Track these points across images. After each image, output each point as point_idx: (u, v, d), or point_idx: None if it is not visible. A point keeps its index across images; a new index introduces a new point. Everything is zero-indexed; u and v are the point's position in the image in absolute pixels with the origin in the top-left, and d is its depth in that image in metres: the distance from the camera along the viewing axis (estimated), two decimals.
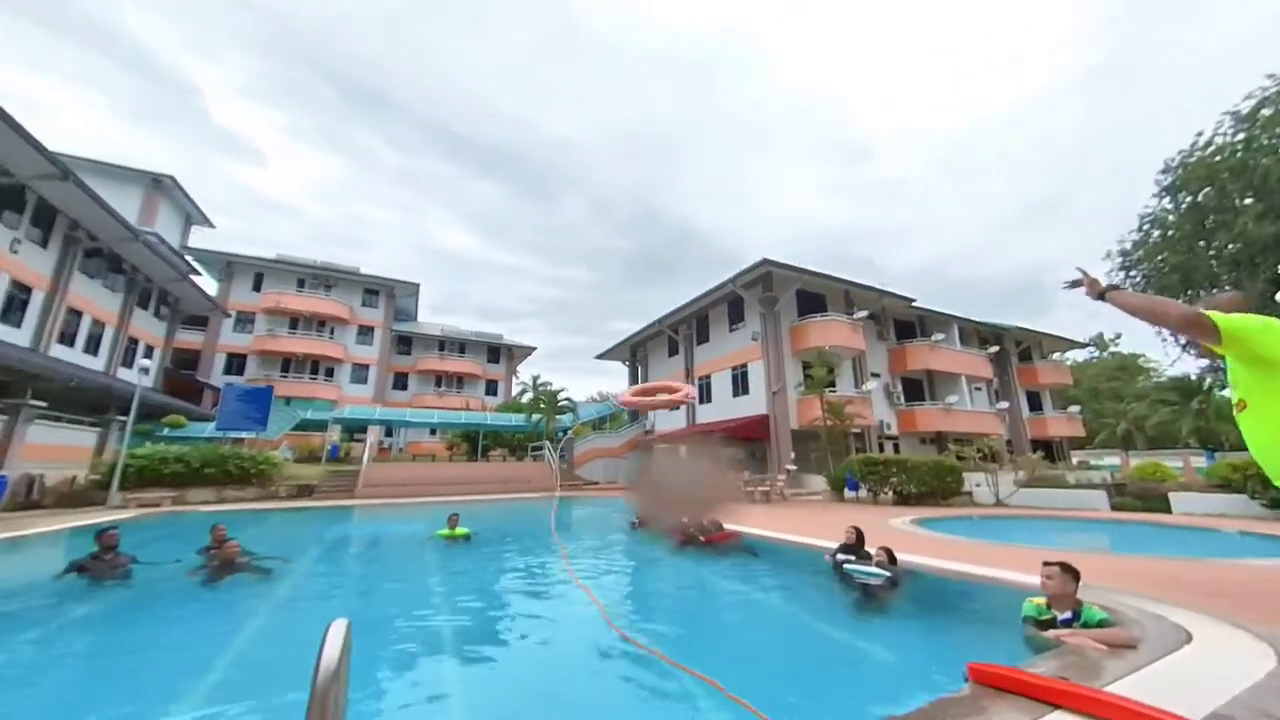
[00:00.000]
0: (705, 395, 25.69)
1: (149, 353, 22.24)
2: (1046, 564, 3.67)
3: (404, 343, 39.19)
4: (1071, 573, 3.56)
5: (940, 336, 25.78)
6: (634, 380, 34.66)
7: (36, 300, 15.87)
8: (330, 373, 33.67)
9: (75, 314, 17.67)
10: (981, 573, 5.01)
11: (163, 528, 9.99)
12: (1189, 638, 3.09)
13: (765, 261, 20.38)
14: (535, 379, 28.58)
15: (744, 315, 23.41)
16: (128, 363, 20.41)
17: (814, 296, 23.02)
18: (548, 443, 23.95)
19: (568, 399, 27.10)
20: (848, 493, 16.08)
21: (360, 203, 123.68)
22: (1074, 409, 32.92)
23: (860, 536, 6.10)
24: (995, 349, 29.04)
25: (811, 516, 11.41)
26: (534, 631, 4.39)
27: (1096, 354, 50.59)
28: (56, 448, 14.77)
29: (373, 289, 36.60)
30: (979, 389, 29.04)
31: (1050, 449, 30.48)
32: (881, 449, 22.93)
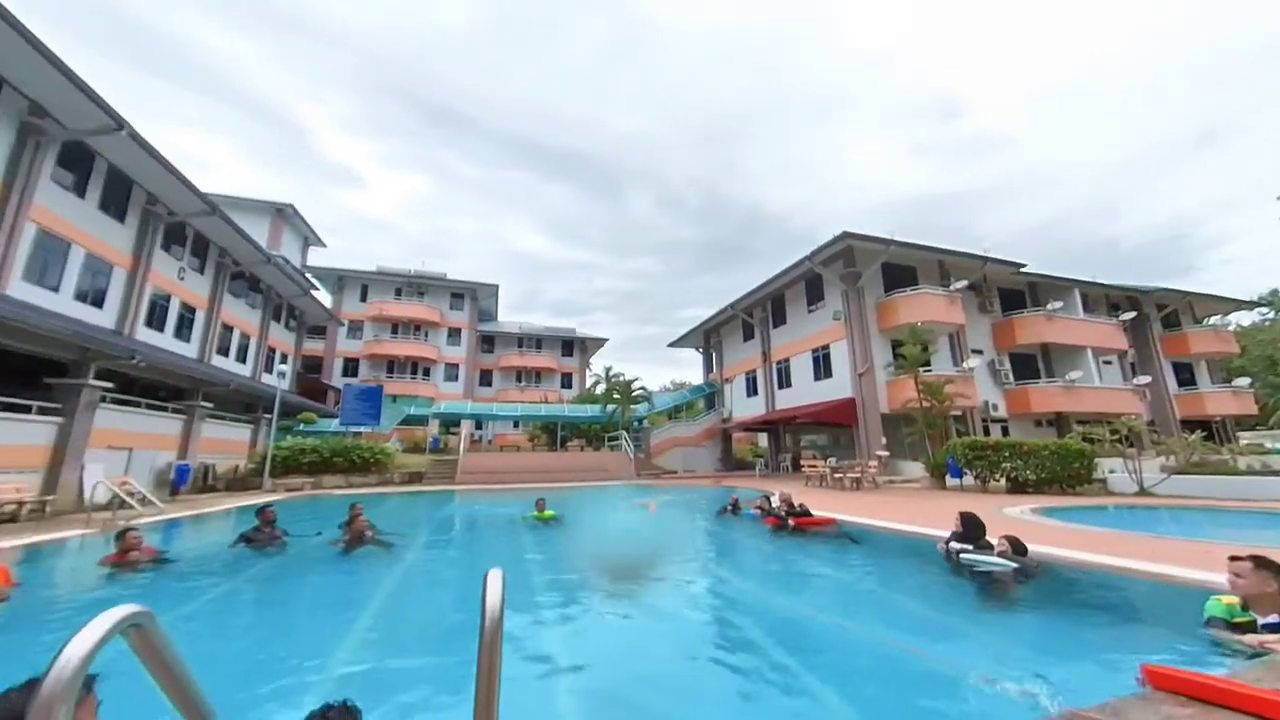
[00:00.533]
0: (784, 379, 24.73)
1: (284, 359, 25.66)
2: (1234, 559, 3.08)
3: (487, 341, 41.81)
4: (1271, 568, 2.95)
5: (1058, 305, 22.65)
6: (709, 367, 34.26)
7: (200, 318, 18.88)
8: (427, 372, 36.85)
9: (228, 329, 20.79)
10: (1141, 568, 4.30)
11: (306, 508, 11.51)
12: None
13: (845, 235, 19.07)
14: (608, 370, 29.22)
15: (824, 294, 22.13)
16: (269, 369, 23.70)
17: (902, 269, 21.18)
18: (624, 432, 24.42)
19: (642, 388, 27.41)
20: (950, 480, 14.72)
21: (444, 215, 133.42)
22: (1242, 382, 27.48)
23: (975, 523, 5.53)
24: (1131, 315, 24.99)
25: (912, 504, 10.58)
26: (623, 607, 4.47)
27: (1271, 316, 41.80)
28: (222, 441, 17.54)
29: (458, 293, 39.36)
30: (1109, 362, 25.22)
31: (1210, 429, 25.74)
32: (987, 432, 20.72)
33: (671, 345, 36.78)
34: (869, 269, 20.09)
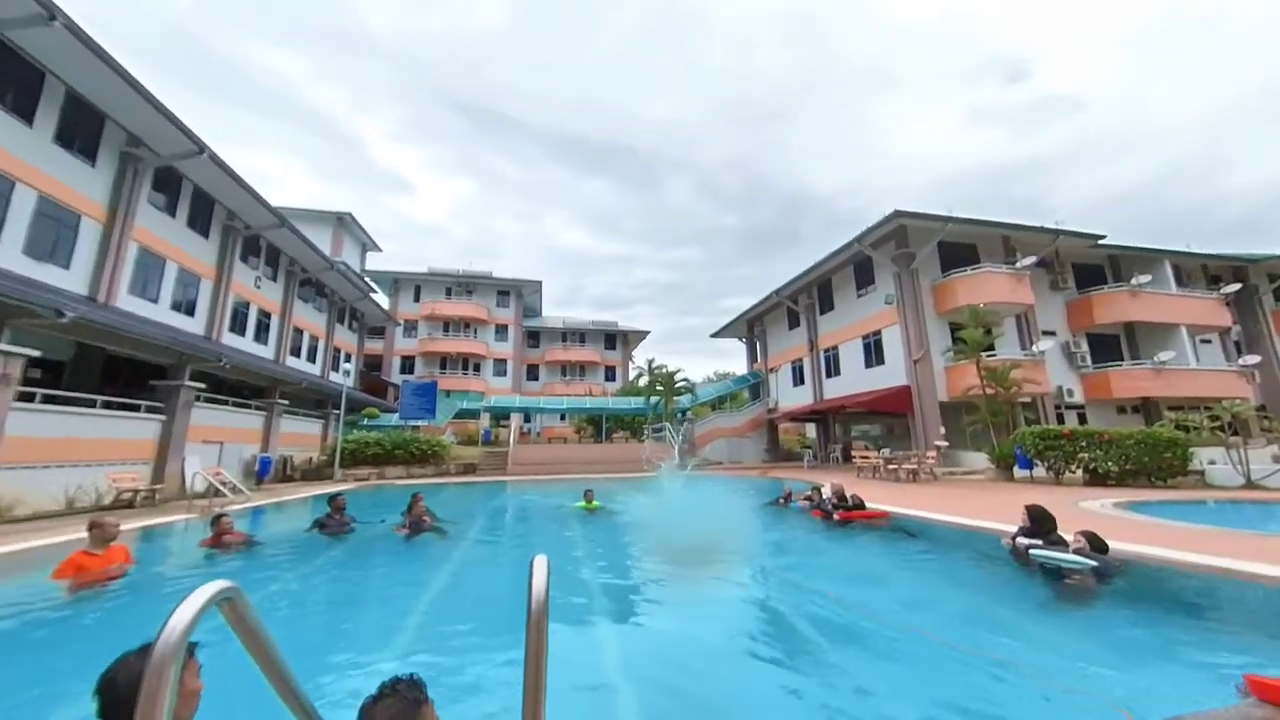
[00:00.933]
0: (832, 368, 23.90)
1: (348, 358, 27.49)
2: None
3: (532, 337, 42.97)
4: None
5: (1144, 279, 20.50)
6: (753, 357, 33.63)
7: (274, 323, 20.54)
8: (477, 368, 38.39)
9: (298, 331, 22.50)
10: (1246, 569, 3.85)
11: (371, 497, 12.35)
12: None
13: (897, 214, 18.06)
14: (650, 363, 29.30)
15: (874, 277, 21.12)
16: (335, 368, 25.47)
17: (961, 248, 19.85)
18: (667, 424, 24.47)
19: (685, 380, 27.33)
20: (1018, 471, 13.77)
21: (489, 216, 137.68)
22: None
23: (1044, 517, 5.16)
24: (1235, 288, 22.27)
25: (974, 497, 9.99)
26: (669, 596, 4.51)
27: None
28: (297, 435, 19.07)
29: (504, 290, 40.63)
30: (1208, 341, 22.66)
31: None
32: (1061, 420, 19.17)
33: (714, 336, 36.38)
34: (924, 249, 18.96)
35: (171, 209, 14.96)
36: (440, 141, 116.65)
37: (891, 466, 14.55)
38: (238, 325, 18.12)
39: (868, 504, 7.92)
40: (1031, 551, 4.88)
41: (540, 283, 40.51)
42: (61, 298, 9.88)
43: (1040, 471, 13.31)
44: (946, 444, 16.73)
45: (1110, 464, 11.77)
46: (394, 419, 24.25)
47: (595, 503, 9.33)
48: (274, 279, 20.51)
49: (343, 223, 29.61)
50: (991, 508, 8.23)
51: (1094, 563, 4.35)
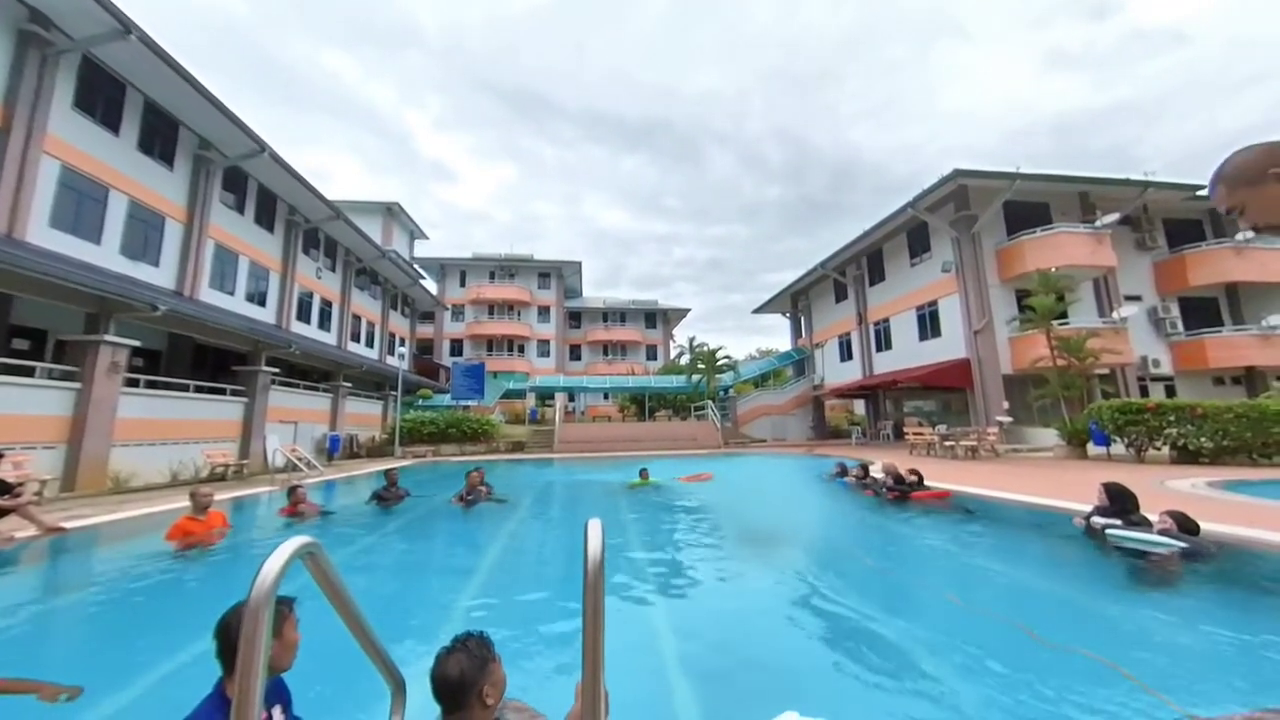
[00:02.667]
0: (883, 341, 22.85)
1: (402, 343, 28.96)
2: None
3: (574, 318, 43.55)
4: None
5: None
6: (797, 333, 32.67)
7: (335, 310, 21.87)
8: (521, 349, 39.48)
9: (356, 318, 23.87)
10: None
11: (428, 472, 13.11)
12: None
13: (957, 173, 16.73)
14: (691, 341, 29.07)
15: (929, 244, 19.82)
16: (390, 351, 26.93)
17: (1030, 207, 18.20)
18: (709, 402, 24.34)
19: (727, 357, 26.97)
20: (1093, 448, 12.79)
21: (530, 199, 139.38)
22: None
23: (1124, 495, 4.77)
24: None
25: (1042, 475, 9.39)
26: (721, 570, 4.54)
27: None
28: (360, 415, 20.42)
29: (544, 272, 41.23)
30: None
31: None
32: (1145, 393, 17.55)
33: (756, 311, 35.52)
34: (987, 211, 17.53)
35: (240, 207, 16.05)
36: (481, 128, 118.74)
37: (949, 443, 13.88)
38: (303, 314, 19.41)
39: (927, 483, 7.57)
40: (1109, 532, 4.54)
41: (580, 264, 40.76)
42: (155, 293, 10.92)
43: (1119, 449, 12.30)
44: (1010, 419, 15.73)
45: (1204, 440, 10.69)
46: (446, 399, 25.43)
47: (651, 479, 9.56)
48: (333, 269, 21.73)
49: (391, 213, 30.81)
50: (1062, 485, 7.70)
51: (1184, 544, 4.00)
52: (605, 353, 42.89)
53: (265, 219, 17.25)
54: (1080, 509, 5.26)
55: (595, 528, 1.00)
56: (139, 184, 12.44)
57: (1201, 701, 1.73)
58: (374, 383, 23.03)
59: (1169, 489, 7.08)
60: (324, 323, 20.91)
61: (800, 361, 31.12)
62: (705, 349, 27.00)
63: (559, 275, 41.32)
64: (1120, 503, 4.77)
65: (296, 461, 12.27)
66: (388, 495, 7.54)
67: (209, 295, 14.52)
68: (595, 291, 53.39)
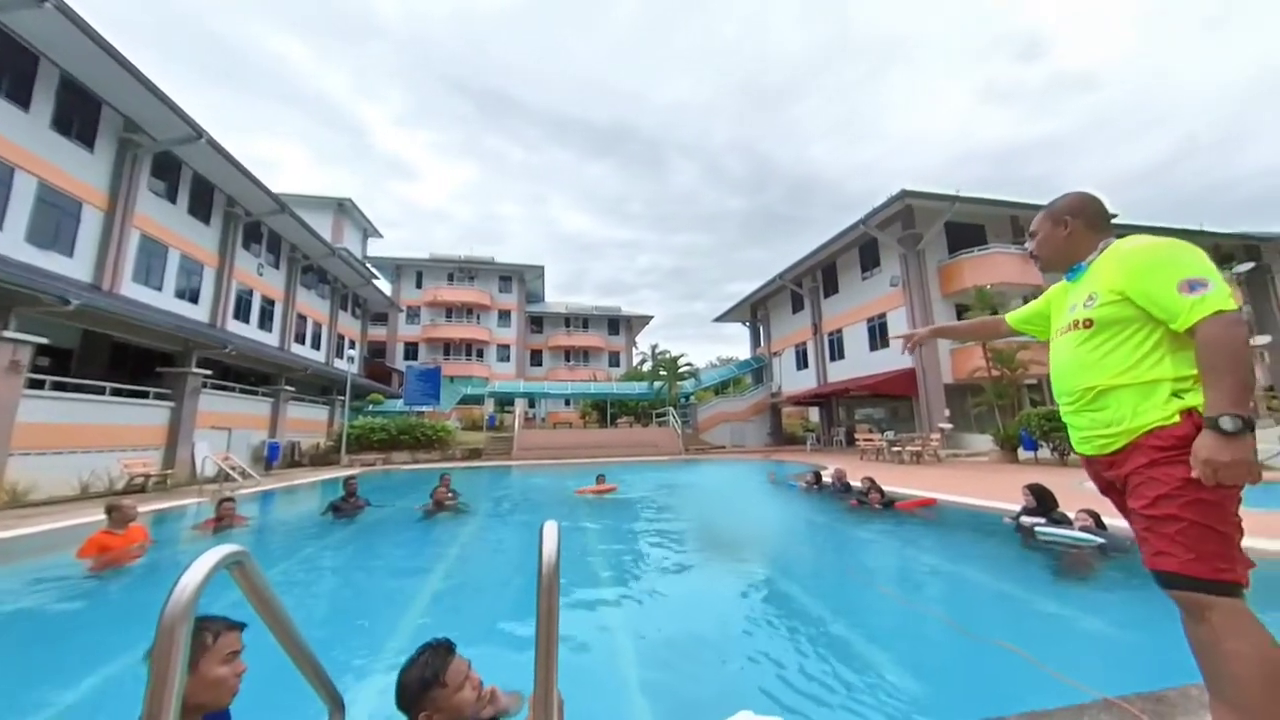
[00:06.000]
0: (836, 351, 23.81)
1: (352, 345, 27.59)
2: None
3: (535, 322, 42.94)
4: None
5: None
6: (756, 342, 33.51)
7: (278, 309, 20.57)
8: (480, 353, 38.48)
9: (302, 318, 22.55)
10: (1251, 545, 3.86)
11: (380, 481, 12.50)
12: None
13: (904, 193, 17.77)
14: (654, 348, 29.29)
15: (879, 259, 20.90)
16: (339, 354, 25.60)
17: (969, 228, 19.56)
18: (671, 409, 24.54)
19: (688, 365, 27.33)
20: (1023, 452, 13.77)
21: (493, 200, 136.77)
22: None
23: (1046, 495, 5.18)
24: (1248, 267, 21.87)
25: (978, 477, 10.02)
26: (679, 572, 4.57)
27: None
28: (304, 421, 19.25)
29: (506, 275, 40.48)
30: None
31: None
32: None
33: (717, 320, 36.24)
34: (930, 230, 18.70)
35: (172, 196, 14.89)
36: (443, 126, 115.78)
37: (896, 449, 14.58)
38: (242, 312, 18.16)
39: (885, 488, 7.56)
40: (1038, 529, 4.90)
41: (543, 268, 40.34)
42: (67, 285, 9.92)
43: (1045, 453, 13.31)
44: (951, 426, 16.72)
45: None
46: (399, 405, 24.42)
47: (608, 485, 9.42)
48: (276, 266, 20.48)
49: (343, 209, 29.47)
50: (996, 487, 8.24)
51: (1101, 540, 4.37)
52: (567, 358, 42.48)
53: (201, 210, 16.07)
54: (1011, 509, 5.65)
55: (551, 530, 0.98)
56: (51, 165, 11.32)
57: (1113, 684, 1.89)
58: (320, 387, 21.81)
59: (1086, 489, 7.71)
60: (265, 322, 19.65)
61: (759, 369, 31.93)
62: (667, 356, 27.25)
63: (520, 279, 40.68)
64: (1043, 502, 5.17)
65: (230, 471, 11.40)
66: (345, 506, 7.11)
67: (132, 290, 13.35)
68: (558, 296, 52.93)
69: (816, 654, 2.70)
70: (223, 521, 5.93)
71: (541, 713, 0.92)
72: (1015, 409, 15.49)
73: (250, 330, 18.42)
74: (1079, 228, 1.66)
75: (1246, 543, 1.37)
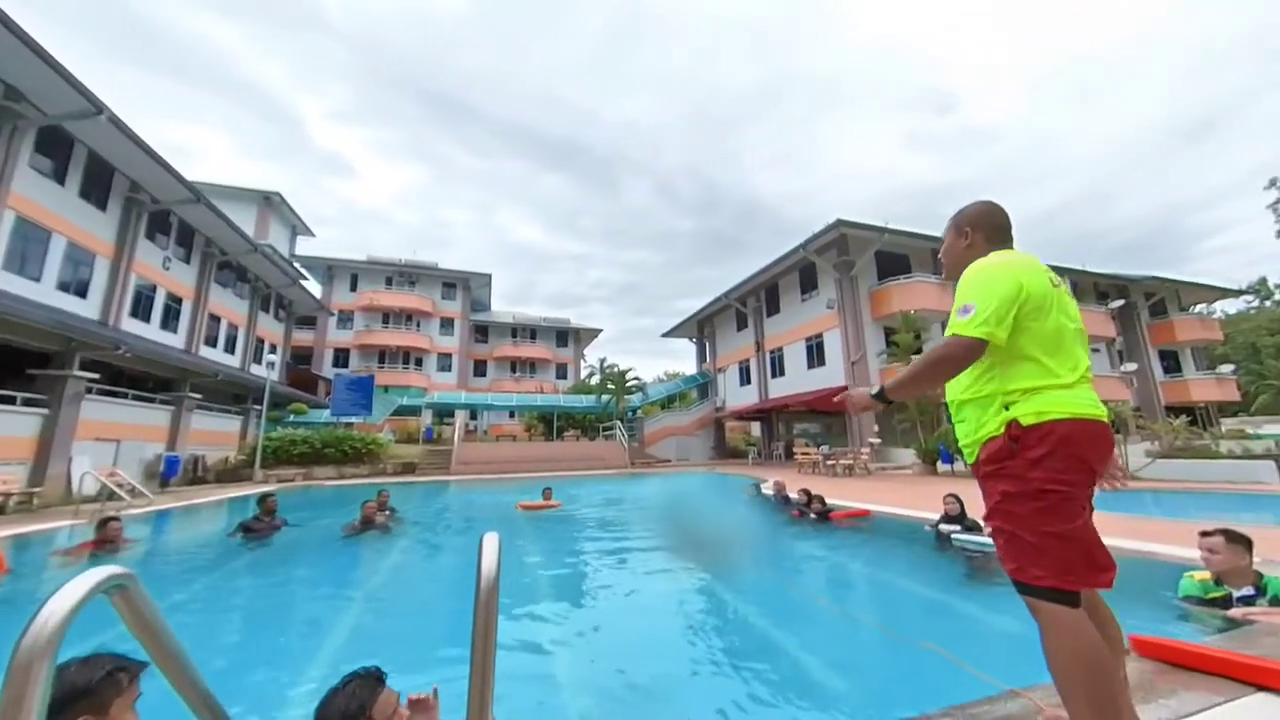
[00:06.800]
0: (777, 368, 24.84)
1: (273, 350, 25.38)
2: (1205, 534, 3.13)
3: (480, 332, 41.58)
4: (1241, 541, 3.01)
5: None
6: (702, 358, 34.29)
7: (186, 309, 18.57)
8: (419, 362, 36.60)
9: (215, 319, 20.47)
10: (1123, 545, 4.39)
11: (298, 499, 11.46)
12: None
13: (839, 223, 19.06)
14: (602, 361, 29.22)
15: (817, 283, 22.17)
16: (257, 359, 23.42)
17: (896, 257, 21.24)
18: (618, 422, 24.49)
19: (636, 379, 27.46)
20: (941, 465, 14.93)
21: (441, 205, 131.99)
22: (1226, 369, 27.99)
23: (960, 505, 5.65)
24: (1119, 304, 25.28)
25: (902, 489, 10.73)
26: (618, 584, 4.51)
27: (1256, 304, 42.50)
28: (211, 433, 17.37)
29: (450, 282, 38.99)
30: (1097, 350, 25.55)
31: (1194, 415, 26.26)
32: None
33: (665, 335, 36.78)
34: (862, 257, 20.12)
35: (60, 176, 13.16)
36: (389, 125, 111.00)
37: (830, 462, 15.33)
38: (141, 310, 16.24)
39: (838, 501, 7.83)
40: (953, 536, 5.30)
41: (490, 276, 39.25)
42: None
43: (961, 466, 14.49)
44: (879, 441, 17.85)
45: None
46: (325, 415, 22.67)
47: (553, 502, 9.16)
48: (187, 260, 18.56)
49: (270, 203, 27.35)
50: (918, 497, 8.85)
51: None
52: (513, 369, 41.38)
53: (96, 194, 14.31)
54: (931, 517, 6.09)
55: (491, 542, 0.94)
56: None
57: (1017, 676, 2.05)
58: (233, 395, 19.83)
59: None
60: (170, 322, 17.66)
61: (704, 385, 32.64)
62: (616, 370, 27.25)
63: (466, 286, 39.35)
64: (959, 511, 5.62)
65: (115, 488, 10.01)
66: (259, 526, 6.41)
67: (3, 279, 11.58)
68: (505, 306, 51.74)
69: (756, 661, 2.75)
70: (105, 545, 5.19)
71: None
72: (935, 426, 16.81)
73: (150, 330, 16.48)
74: (979, 240, 1.73)
75: (1115, 543, 1.53)
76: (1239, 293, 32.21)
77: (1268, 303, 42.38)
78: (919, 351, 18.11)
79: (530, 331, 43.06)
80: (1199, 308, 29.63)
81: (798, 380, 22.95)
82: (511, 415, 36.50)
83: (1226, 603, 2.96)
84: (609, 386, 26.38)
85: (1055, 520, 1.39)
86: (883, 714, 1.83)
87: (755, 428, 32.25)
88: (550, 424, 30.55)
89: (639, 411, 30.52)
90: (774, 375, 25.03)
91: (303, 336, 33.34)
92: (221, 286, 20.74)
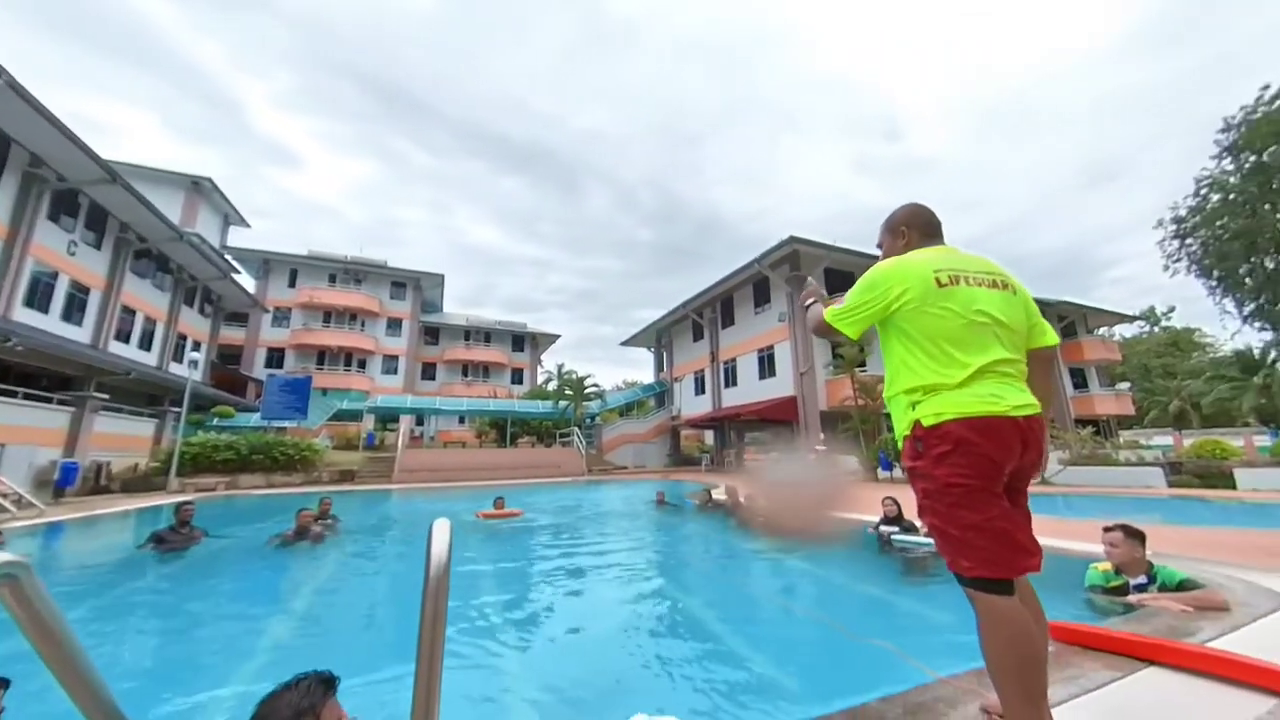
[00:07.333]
0: (730, 379, 25.44)
1: (196, 347, 23.32)
2: (1107, 529, 3.48)
3: (431, 334, 40.03)
4: (1136, 536, 3.37)
5: None
6: (659, 366, 34.59)
7: (94, 299, 16.76)
8: (363, 364, 34.71)
9: (129, 312, 18.60)
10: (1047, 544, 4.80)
11: (220, 509, 10.51)
12: None
13: (791, 239, 19.88)
14: (560, 367, 28.87)
15: (770, 296, 22.96)
16: (178, 357, 21.44)
17: (844, 274, 22.35)
18: (576, 429, 24.20)
19: (595, 385, 27.29)
20: (882, 472, 15.74)
21: (394, 203, 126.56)
22: (1123, 386, 31.30)
23: (897, 507, 5.98)
24: None
25: (847, 493, 11.21)
26: (574, 594, 4.44)
27: (1148, 329, 47.89)
28: (120, 437, 15.69)
29: (400, 282, 37.36)
30: None
31: (1098, 427, 29.13)
32: None
33: (624, 344, 36.84)
34: (813, 273, 21.04)
35: None
36: (338, 116, 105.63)
37: None
38: (39, 299, 14.54)
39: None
40: (892, 537, 5.60)
41: (442, 276, 37.94)
42: None
43: (899, 472, 15.35)
44: (825, 448, 18.59)
45: None
46: (254, 419, 21.03)
47: (509, 510, 8.85)
48: (97, 246, 16.82)
49: (200, 188, 25.30)
50: (860, 502, 9.26)
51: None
52: (465, 373, 40.04)
53: None
54: (871, 519, 6.39)
55: (442, 528, 0.91)
56: None
57: (951, 665, 2.18)
58: (148, 395, 18.05)
59: None
60: (74, 313, 15.90)
61: (662, 393, 32.91)
62: (574, 376, 26.97)
63: (417, 286, 37.83)
64: (896, 513, 5.95)
65: None
66: (173, 537, 5.81)
67: None
68: (460, 308, 50.16)
69: (707, 658, 2.78)
70: None
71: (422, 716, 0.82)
72: (876, 434, 17.74)
73: (50, 322, 14.75)
74: (915, 238, 1.79)
75: (1044, 542, 1.62)
76: (1133, 318, 36.21)
77: (1156, 328, 47.91)
78: (863, 365, 19.11)
79: (485, 334, 41.90)
80: (1102, 330, 33.03)
81: (750, 390, 23.58)
82: (462, 421, 35.26)
83: (1124, 590, 3.28)
84: (567, 392, 26.05)
85: (968, 513, 1.45)
86: (825, 704, 1.89)
87: (709, 436, 32.80)
88: (503, 430, 29.76)
89: (597, 418, 30.30)
90: (727, 385, 25.60)
91: (232, 334, 30.87)
92: (139, 277, 18.93)
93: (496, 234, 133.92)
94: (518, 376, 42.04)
